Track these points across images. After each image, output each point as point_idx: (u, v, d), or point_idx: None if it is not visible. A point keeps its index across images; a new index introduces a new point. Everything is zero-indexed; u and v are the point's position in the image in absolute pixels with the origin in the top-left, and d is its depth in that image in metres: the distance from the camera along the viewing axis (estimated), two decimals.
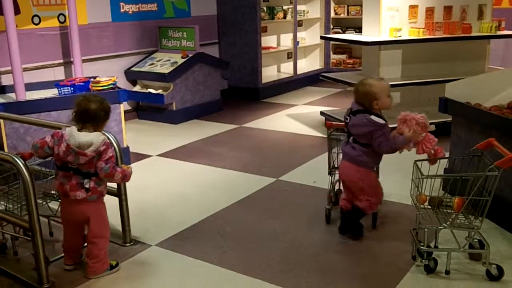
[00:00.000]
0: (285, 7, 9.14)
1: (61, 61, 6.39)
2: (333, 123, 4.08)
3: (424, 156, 3.49)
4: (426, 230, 3.26)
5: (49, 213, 3.58)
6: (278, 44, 9.64)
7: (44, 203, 3.53)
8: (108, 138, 3.52)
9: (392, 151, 3.51)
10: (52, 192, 3.57)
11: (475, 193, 3.10)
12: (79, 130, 3.09)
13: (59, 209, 3.37)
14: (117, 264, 3.38)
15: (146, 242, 3.75)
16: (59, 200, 3.38)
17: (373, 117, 3.48)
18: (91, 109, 3.09)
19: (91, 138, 3.04)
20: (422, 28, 6.13)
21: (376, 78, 3.70)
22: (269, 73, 9.28)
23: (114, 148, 3.49)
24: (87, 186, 3.10)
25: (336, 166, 4.02)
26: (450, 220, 3.22)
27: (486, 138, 3.31)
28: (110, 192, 3.54)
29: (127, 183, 3.56)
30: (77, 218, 3.21)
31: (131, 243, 3.71)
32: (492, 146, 3.24)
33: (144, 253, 3.61)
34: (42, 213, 3.65)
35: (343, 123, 3.77)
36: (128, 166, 3.30)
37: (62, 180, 3.13)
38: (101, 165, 3.05)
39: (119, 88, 5.38)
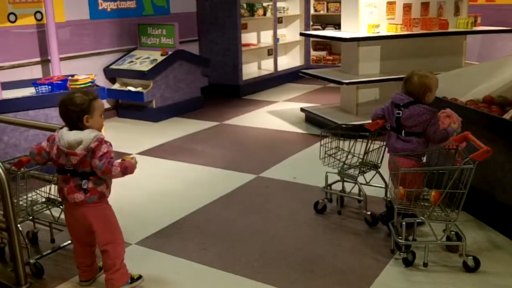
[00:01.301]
0: (265, 4, 9.15)
1: (39, 59, 6.31)
2: (379, 121, 3.80)
3: None
4: (404, 223, 3.30)
5: (51, 219, 3.54)
6: (259, 41, 9.65)
7: (45, 209, 3.43)
8: None
9: (444, 140, 3.50)
10: (55, 198, 3.44)
11: (452, 186, 3.15)
12: (70, 130, 2.93)
13: (61, 215, 3.27)
14: (139, 277, 3.19)
15: (125, 241, 3.68)
16: (61, 207, 3.27)
17: (426, 106, 3.53)
18: (65, 113, 2.92)
19: (81, 136, 2.86)
20: (400, 24, 6.19)
21: (428, 71, 3.66)
22: (250, 70, 9.28)
23: None
24: (85, 187, 2.91)
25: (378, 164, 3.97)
26: (428, 213, 3.26)
27: (462, 132, 3.36)
28: None
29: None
30: (80, 224, 3.00)
31: None
32: (467, 139, 3.29)
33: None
34: (44, 219, 3.61)
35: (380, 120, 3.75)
36: (131, 157, 3.06)
37: (61, 184, 2.97)
38: (96, 163, 2.85)
39: (97, 86, 5.35)
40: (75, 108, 2.89)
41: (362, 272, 3.27)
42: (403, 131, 3.58)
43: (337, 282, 3.18)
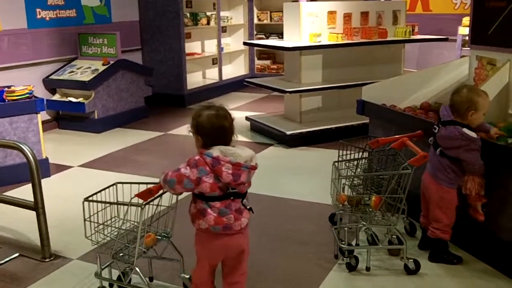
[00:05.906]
0: (208, 13, 9.15)
1: None
2: (381, 139, 3.59)
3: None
4: (346, 228, 3.36)
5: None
6: (203, 50, 9.63)
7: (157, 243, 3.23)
8: (22, 150, 3.40)
9: (484, 171, 3.18)
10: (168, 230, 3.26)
11: (391, 190, 3.23)
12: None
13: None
14: None
15: (67, 256, 3.63)
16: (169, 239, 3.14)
17: (465, 130, 3.14)
18: (227, 129, 2.69)
19: (246, 150, 2.61)
20: (341, 33, 6.32)
21: (483, 91, 3.25)
22: (194, 79, 9.24)
23: (30, 160, 3.38)
24: (248, 206, 2.64)
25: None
26: (369, 218, 3.33)
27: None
28: (26, 206, 3.40)
29: (44, 195, 3.45)
30: (234, 252, 2.72)
31: (51, 258, 3.58)
32: (405, 145, 3.38)
33: (65, 268, 3.49)
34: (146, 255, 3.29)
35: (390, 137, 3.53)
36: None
37: (222, 212, 2.60)
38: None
39: (36, 97, 5.19)
40: (231, 123, 2.68)
41: (306, 279, 3.30)
42: (439, 149, 3.28)
43: None
